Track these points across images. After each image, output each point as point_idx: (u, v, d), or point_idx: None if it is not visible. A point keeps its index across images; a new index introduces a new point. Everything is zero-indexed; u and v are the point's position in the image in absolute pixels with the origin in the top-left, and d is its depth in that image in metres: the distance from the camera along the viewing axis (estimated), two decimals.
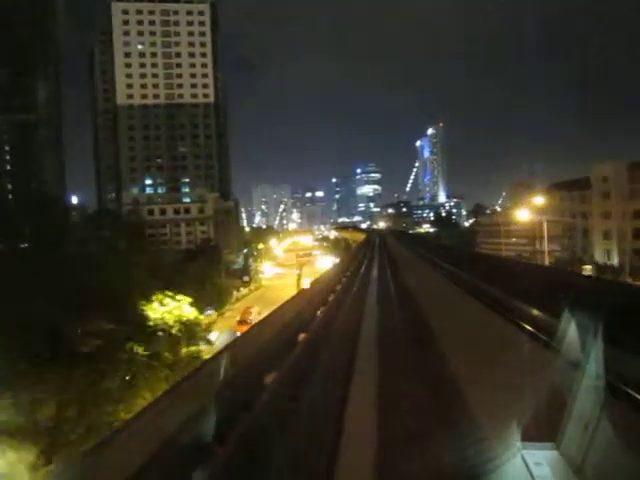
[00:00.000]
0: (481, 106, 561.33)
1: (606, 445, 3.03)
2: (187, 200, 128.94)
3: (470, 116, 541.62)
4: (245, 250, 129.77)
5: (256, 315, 65.94)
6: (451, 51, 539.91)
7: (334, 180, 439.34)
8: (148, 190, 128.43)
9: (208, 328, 62.35)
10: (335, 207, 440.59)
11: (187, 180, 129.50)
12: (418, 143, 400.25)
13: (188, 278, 62.37)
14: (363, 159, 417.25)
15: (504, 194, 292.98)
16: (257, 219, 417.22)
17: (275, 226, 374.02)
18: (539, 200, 79.85)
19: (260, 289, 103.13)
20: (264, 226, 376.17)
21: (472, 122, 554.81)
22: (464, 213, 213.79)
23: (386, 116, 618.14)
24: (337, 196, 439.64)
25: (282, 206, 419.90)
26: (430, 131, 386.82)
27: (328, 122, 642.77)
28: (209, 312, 69.51)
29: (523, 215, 59.87)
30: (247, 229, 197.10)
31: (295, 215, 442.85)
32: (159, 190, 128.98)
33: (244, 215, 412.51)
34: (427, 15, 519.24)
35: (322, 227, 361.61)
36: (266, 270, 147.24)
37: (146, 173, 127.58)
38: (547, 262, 60.59)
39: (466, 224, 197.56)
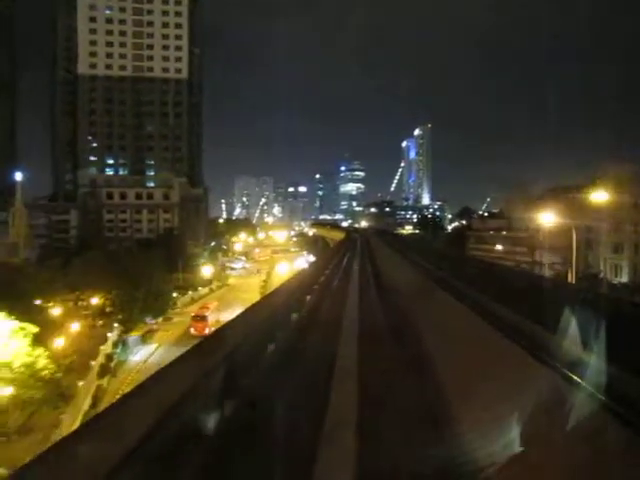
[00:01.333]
0: (467, 110, 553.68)
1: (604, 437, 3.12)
2: (151, 184, 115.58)
3: (456, 120, 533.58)
4: (212, 243, 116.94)
5: (214, 311, 59.03)
6: (439, 55, 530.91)
7: (318, 176, 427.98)
8: (108, 171, 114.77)
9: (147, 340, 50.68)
10: (317, 204, 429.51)
11: (152, 162, 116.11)
12: (404, 143, 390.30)
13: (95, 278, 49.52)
14: (348, 157, 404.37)
15: (489, 199, 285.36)
16: (237, 211, 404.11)
17: (255, 219, 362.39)
18: (542, 205, 68.70)
19: (223, 288, 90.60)
20: (267, 219, 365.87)
21: (459, 125, 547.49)
22: (449, 216, 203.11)
23: (372, 115, 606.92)
24: (320, 193, 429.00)
25: (263, 199, 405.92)
26: (417, 132, 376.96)
27: (314, 118, 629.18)
28: (150, 321, 57.06)
29: (547, 220, 48.28)
30: (221, 220, 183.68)
31: (276, 209, 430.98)
32: (121, 172, 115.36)
33: (224, 206, 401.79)
34: (414, 17, 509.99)
35: (302, 223, 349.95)
36: (238, 265, 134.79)
37: (107, 152, 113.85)
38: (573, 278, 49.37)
39: (449, 227, 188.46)
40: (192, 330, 54.08)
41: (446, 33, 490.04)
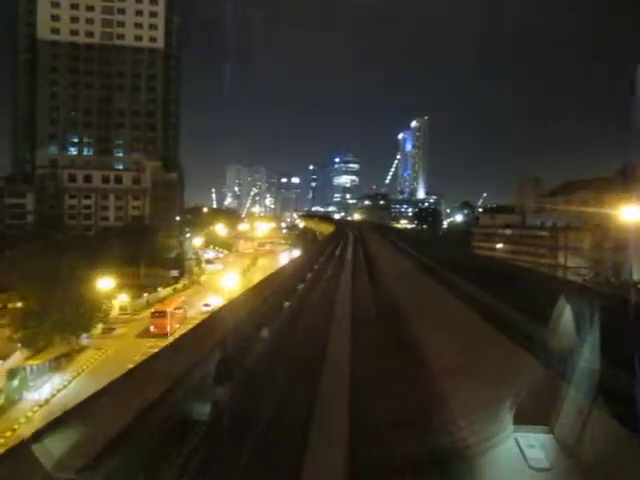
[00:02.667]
0: (465, 105, 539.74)
1: (600, 428, 2.99)
2: (120, 167, 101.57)
3: (455, 113, 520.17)
4: (188, 234, 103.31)
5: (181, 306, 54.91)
6: (439, 48, 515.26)
7: (311, 167, 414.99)
8: (71, 150, 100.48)
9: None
10: (310, 195, 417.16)
11: (121, 142, 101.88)
12: (400, 136, 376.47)
13: None
14: (342, 148, 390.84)
15: (485, 195, 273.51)
16: (228, 201, 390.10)
17: (245, 210, 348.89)
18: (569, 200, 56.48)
19: (192, 287, 77.20)
20: (254, 209, 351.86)
21: (456, 120, 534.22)
22: (448, 210, 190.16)
23: (368, 106, 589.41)
24: (313, 184, 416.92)
25: (254, 189, 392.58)
26: (414, 124, 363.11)
27: (309, 108, 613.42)
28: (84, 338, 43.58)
29: (631, 214, 35.22)
30: (205, 209, 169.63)
31: (268, 200, 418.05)
32: (85, 152, 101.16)
33: (214, 196, 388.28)
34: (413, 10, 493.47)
35: (294, 215, 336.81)
36: (218, 258, 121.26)
37: (70, 129, 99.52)
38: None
39: (445, 222, 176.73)
40: (152, 328, 49.07)
41: (444, 24, 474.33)
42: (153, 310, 52.39)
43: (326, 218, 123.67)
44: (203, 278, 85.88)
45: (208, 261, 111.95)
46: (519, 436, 3.50)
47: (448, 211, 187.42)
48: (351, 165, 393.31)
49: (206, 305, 58.35)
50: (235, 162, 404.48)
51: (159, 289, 67.60)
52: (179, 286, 74.22)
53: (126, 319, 53.87)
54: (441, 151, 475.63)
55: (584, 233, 68.47)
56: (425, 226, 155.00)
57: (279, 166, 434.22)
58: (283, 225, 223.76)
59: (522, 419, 3.60)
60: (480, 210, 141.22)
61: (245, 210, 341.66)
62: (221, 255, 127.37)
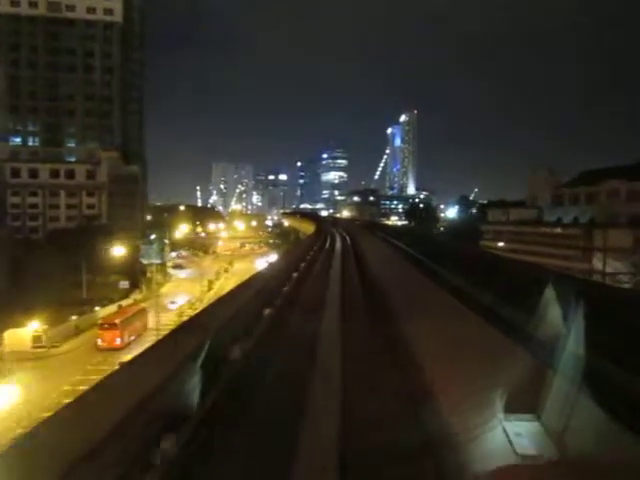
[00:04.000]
0: (454, 97, 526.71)
1: (587, 416, 3.03)
2: (72, 159, 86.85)
3: (444, 105, 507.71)
4: (152, 236, 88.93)
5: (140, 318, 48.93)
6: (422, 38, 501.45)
7: (299, 164, 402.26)
8: (14, 141, 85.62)
9: None
10: (299, 192, 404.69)
11: (73, 131, 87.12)
12: (389, 130, 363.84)
13: None
14: (331, 144, 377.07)
15: (476, 190, 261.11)
16: (214, 199, 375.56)
17: (231, 208, 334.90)
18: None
19: (147, 301, 62.98)
20: (220, 207, 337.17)
21: (446, 111, 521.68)
22: (442, 207, 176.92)
23: (356, 101, 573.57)
24: (301, 181, 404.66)
25: (240, 187, 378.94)
26: (403, 118, 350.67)
27: (296, 103, 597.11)
28: None
29: None
30: (182, 208, 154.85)
31: (255, 198, 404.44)
32: (30, 142, 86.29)
33: (199, 193, 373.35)
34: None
35: (281, 212, 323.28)
36: (192, 261, 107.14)
37: (12, 116, 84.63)
38: None
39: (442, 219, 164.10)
40: (99, 342, 44.30)
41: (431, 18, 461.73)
42: (101, 322, 46.36)
43: (309, 216, 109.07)
44: (164, 289, 71.77)
45: (178, 266, 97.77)
46: (506, 424, 3.45)
47: (442, 207, 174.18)
48: (339, 161, 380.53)
49: (172, 302, 58.13)
50: (221, 159, 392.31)
51: (96, 308, 53.23)
52: (128, 302, 59.78)
53: (40, 354, 39.79)
54: (432, 144, 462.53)
55: (620, 231, 55.38)
56: (412, 223, 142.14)
57: (266, 163, 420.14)
58: (269, 223, 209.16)
59: (509, 407, 3.54)
60: (482, 204, 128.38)
61: (228, 208, 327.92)
62: (195, 258, 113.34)
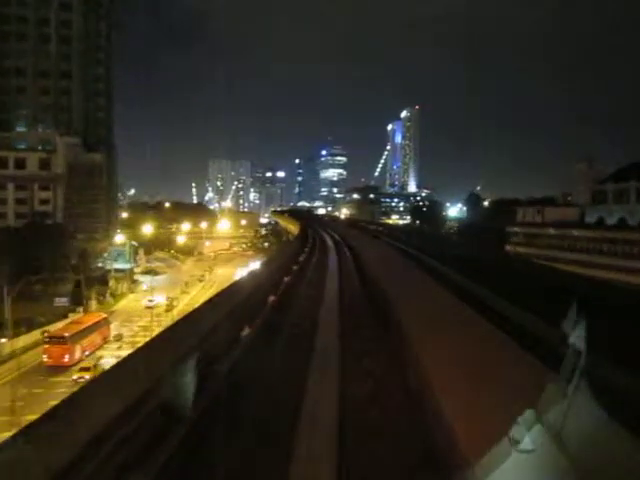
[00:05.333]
0: (455, 93, 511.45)
1: (586, 410, 2.92)
2: (22, 146, 72.70)
3: (445, 103, 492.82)
4: (119, 237, 74.83)
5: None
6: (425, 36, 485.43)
7: (297, 161, 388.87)
8: None
9: None
10: (297, 190, 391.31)
11: (24, 112, 72.93)
12: (390, 127, 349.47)
13: None
14: (330, 141, 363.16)
15: (479, 188, 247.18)
16: (209, 195, 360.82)
17: (221, 204, 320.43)
18: None
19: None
20: (225, 204, 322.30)
21: (447, 110, 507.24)
22: (447, 204, 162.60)
23: (355, 97, 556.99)
24: (299, 178, 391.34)
25: (236, 183, 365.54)
26: (404, 114, 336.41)
27: (295, 99, 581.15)
28: None
29: None
30: (168, 205, 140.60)
31: (253, 195, 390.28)
32: None
33: (194, 190, 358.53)
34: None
35: (279, 209, 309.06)
36: (173, 266, 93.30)
37: None
38: None
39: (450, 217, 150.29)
40: (45, 358, 38.27)
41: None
42: (47, 335, 41.19)
43: (298, 216, 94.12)
44: (120, 305, 57.60)
45: (151, 272, 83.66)
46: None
47: (448, 205, 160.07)
48: (338, 158, 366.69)
49: (150, 300, 54.65)
50: (218, 155, 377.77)
51: (2, 341, 38.97)
52: (57, 326, 45.29)
53: None
54: (431, 142, 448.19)
55: None
56: (417, 222, 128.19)
57: (264, 160, 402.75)
58: (263, 221, 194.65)
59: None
60: (496, 202, 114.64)
61: (219, 205, 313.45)
62: (175, 261, 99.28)
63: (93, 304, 54.84)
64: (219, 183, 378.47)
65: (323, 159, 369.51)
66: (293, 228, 61.01)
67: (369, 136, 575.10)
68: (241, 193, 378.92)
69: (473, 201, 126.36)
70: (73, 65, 73.47)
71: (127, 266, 73.07)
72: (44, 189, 71.24)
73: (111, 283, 66.45)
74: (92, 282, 63.75)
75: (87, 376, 34.18)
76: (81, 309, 51.47)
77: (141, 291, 66.42)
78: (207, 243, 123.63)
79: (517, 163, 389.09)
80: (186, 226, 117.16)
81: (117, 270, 70.00)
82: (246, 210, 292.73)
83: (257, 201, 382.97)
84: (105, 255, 72.35)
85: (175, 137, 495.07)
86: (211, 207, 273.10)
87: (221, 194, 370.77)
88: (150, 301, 55.12)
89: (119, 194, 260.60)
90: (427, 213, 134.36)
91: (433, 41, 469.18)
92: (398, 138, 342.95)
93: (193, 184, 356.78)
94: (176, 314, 46.93)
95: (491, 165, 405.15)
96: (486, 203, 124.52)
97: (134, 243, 78.98)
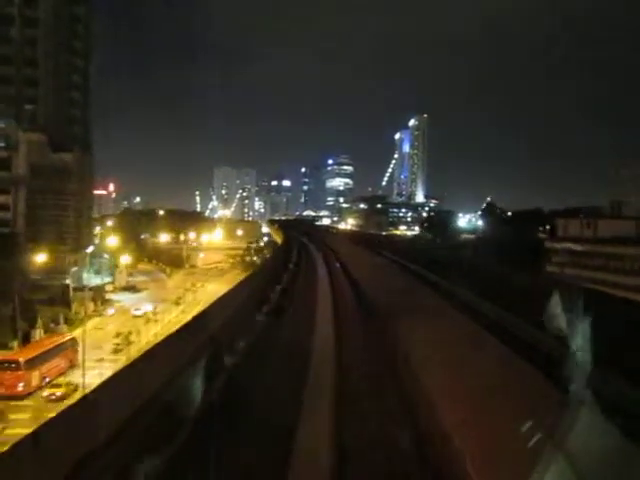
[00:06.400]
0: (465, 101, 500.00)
1: (585, 421, 2.99)
2: None
3: (455, 112, 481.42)
4: (90, 248, 64.10)
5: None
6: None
7: (303, 170, 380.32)
8: None
9: None
10: (302, 199, 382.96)
11: None
12: (397, 135, 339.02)
13: None
14: (336, 150, 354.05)
15: (489, 199, 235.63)
16: (213, 204, 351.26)
17: (231, 213, 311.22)
18: None
19: None
20: (223, 212, 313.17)
21: (455, 119, 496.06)
22: (459, 215, 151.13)
23: (363, 105, 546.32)
24: (305, 187, 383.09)
25: (240, 192, 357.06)
26: (412, 122, 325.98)
27: (301, 108, 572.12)
28: None
29: None
30: (162, 212, 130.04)
31: (257, 204, 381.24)
32: None
33: (198, 198, 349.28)
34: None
35: (284, 218, 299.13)
36: (157, 279, 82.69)
37: None
38: None
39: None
40: None
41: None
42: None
43: (289, 227, 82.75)
44: (76, 333, 46.47)
45: (130, 288, 72.77)
46: None
47: (461, 215, 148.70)
48: (345, 167, 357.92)
49: (137, 309, 55.20)
50: (223, 163, 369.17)
51: None
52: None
53: None
54: (442, 150, 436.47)
55: None
56: (431, 233, 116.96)
57: (270, 168, 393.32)
58: (265, 231, 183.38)
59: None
60: (518, 214, 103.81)
61: (231, 213, 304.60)
62: (162, 275, 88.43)
63: (37, 333, 44.03)
64: (224, 191, 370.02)
65: (329, 168, 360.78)
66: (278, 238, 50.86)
67: (376, 145, 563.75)
68: (246, 202, 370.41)
69: (490, 212, 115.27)
70: (39, 51, 63.33)
71: (97, 281, 62.49)
72: (3, 193, 60.76)
73: (75, 305, 55.69)
74: (52, 303, 53.40)
75: (58, 393, 33.85)
76: (15, 344, 40.86)
77: (113, 314, 55.62)
78: (201, 255, 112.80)
79: (530, 172, 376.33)
80: (164, 237, 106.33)
81: (87, 289, 59.22)
82: (250, 219, 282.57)
83: (262, 210, 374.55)
84: (73, 270, 61.68)
85: (179, 144, 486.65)
86: (215, 216, 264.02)
87: (225, 202, 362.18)
88: (137, 310, 56.01)
89: (124, 202, 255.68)
90: (439, 225, 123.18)
91: (447, 48, 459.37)
92: (406, 147, 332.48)
93: (197, 192, 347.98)
94: (134, 353, 36.20)
95: (501, 174, 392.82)
96: (502, 213, 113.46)
97: (105, 256, 68.12)
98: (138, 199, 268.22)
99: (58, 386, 35.26)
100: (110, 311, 56.51)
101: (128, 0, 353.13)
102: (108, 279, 68.40)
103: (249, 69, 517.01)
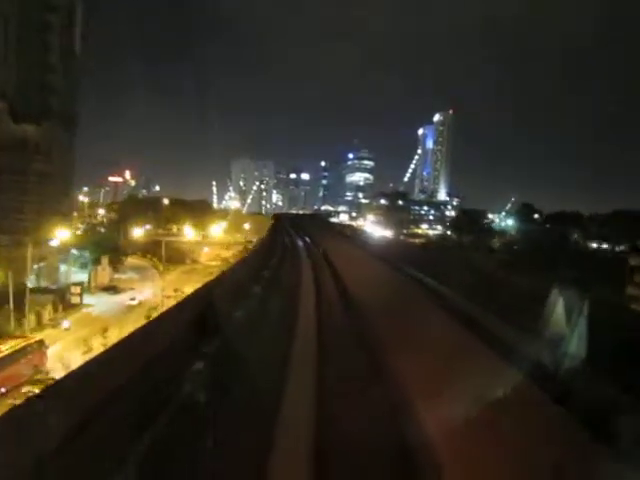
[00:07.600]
0: (492, 99, 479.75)
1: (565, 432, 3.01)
2: None
3: (482, 107, 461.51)
4: (54, 242, 52.90)
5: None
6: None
7: (322, 164, 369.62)
8: None
9: None
10: (321, 193, 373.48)
11: None
12: (421, 131, 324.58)
13: None
14: (356, 144, 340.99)
15: (513, 199, 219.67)
16: (230, 195, 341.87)
17: (246, 206, 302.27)
18: None
19: None
20: (237, 204, 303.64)
21: (479, 114, 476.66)
22: (490, 216, 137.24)
23: (385, 99, 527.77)
24: (324, 181, 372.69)
25: (257, 184, 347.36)
26: (437, 117, 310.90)
27: (322, 99, 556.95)
28: None
29: None
30: (167, 201, 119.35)
31: (275, 197, 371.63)
32: None
33: (215, 189, 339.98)
34: None
35: (301, 212, 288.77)
36: (149, 277, 71.76)
37: None
38: None
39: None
40: None
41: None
42: None
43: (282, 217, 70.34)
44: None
45: (111, 288, 61.46)
46: None
47: (491, 216, 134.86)
48: (365, 162, 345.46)
49: (132, 299, 54.95)
50: (242, 155, 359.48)
51: None
52: None
53: None
54: (464, 148, 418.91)
55: None
56: (458, 236, 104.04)
57: (288, 161, 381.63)
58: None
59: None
60: (558, 215, 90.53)
61: (246, 206, 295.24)
62: (155, 272, 77.32)
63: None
64: (242, 183, 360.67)
65: (350, 162, 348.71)
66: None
67: (399, 140, 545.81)
68: (264, 194, 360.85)
69: (525, 214, 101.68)
70: (12, 9, 52.06)
71: (81, 279, 51.29)
72: None
73: (28, 310, 44.50)
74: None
75: (37, 390, 26.67)
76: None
77: (75, 325, 44.41)
78: (205, 249, 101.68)
79: (562, 173, 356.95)
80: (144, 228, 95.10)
81: (48, 290, 48.13)
82: (262, 212, 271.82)
83: (280, 203, 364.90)
84: (37, 267, 50.67)
85: (198, 134, 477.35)
86: (228, 207, 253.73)
87: (243, 194, 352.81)
88: (132, 299, 55.54)
89: (143, 190, 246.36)
90: (468, 225, 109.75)
91: (474, 44, 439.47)
92: (429, 143, 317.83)
93: (213, 182, 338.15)
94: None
95: (526, 174, 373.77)
96: (535, 216, 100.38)
97: (74, 251, 56.85)
98: (157, 187, 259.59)
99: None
100: (65, 324, 44.62)
101: None
102: (83, 277, 57.35)
103: (268, 59, 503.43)
